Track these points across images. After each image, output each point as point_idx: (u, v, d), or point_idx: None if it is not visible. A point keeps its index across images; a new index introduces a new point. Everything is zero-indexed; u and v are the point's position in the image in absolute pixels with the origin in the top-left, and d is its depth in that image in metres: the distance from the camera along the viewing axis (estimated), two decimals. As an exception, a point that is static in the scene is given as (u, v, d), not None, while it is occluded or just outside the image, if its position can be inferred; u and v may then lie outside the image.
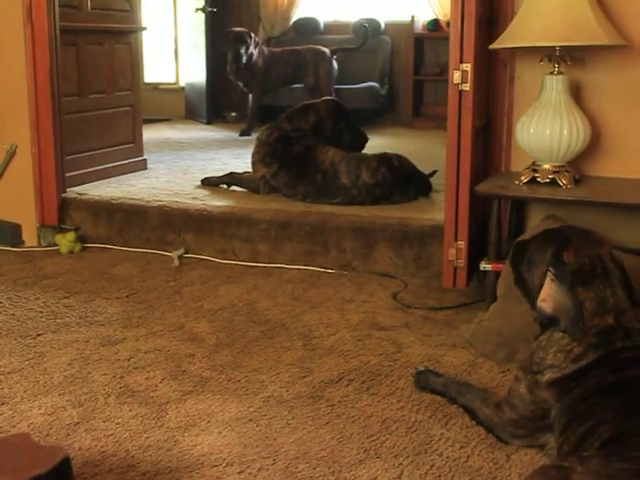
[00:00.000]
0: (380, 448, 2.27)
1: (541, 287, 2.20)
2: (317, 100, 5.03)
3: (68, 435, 2.33)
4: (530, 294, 2.30)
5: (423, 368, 2.71)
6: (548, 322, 2.19)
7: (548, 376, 2.17)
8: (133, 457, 2.21)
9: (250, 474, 2.14)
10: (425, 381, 2.62)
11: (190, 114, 9.07)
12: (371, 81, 8.27)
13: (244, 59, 7.29)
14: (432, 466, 2.18)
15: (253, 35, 7.47)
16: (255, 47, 7.41)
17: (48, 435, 2.33)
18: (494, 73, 3.69)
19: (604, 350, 2.09)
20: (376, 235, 3.90)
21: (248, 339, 3.03)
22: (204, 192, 4.72)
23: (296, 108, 4.81)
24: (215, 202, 4.44)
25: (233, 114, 8.76)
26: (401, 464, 2.19)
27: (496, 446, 2.28)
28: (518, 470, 2.16)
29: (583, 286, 2.15)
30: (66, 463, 1.91)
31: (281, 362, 2.84)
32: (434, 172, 4.69)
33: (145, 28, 5.70)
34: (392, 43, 8.58)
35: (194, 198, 4.54)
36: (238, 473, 2.14)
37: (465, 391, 2.50)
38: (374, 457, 2.23)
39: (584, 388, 2.06)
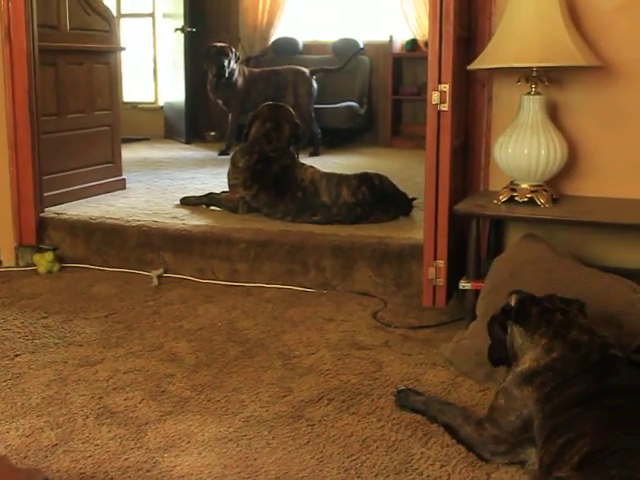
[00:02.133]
0: (361, 467, 2.27)
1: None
2: (263, 109, 4.91)
3: (46, 457, 2.31)
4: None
5: (403, 387, 2.71)
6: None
7: (527, 365, 2.26)
8: (112, 479, 2.20)
9: (230, 495, 2.13)
10: (406, 400, 2.62)
11: (169, 133, 9.07)
12: (350, 100, 8.29)
13: (226, 73, 7.29)
14: (413, 485, 2.18)
15: (234, 50, 7.49)
16: (236, 62, 7.42)
17: (26, 457, 2.30)
18: (472, 93, 3.72)
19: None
20: (355, 254, 3.91)
21: (228, 359, 3.02)
22: (183, 211, 4.72)
23: (267, 128, 4.73)
24: (194, 221, 4.43)
25: (212, 133, 8.76)
26: (382, 483, 2.19)
27: (477, 465, 2.28)
28: (498, 489, 2.16)
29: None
30: (44, 485, 1.90)
31: (261, 382, 2.83)
32: (414, 199, 4.67)
33: (124, 48, 5.70)
34: (371, 63, 8.63)
35: (173, 217, 4.53)
36: (218, 494, 2.13)
37: (446, 409, 2.51)
38: (355, 477, 2.22)
39: (565, 397, 2.09)
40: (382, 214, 4.45)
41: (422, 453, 2.35)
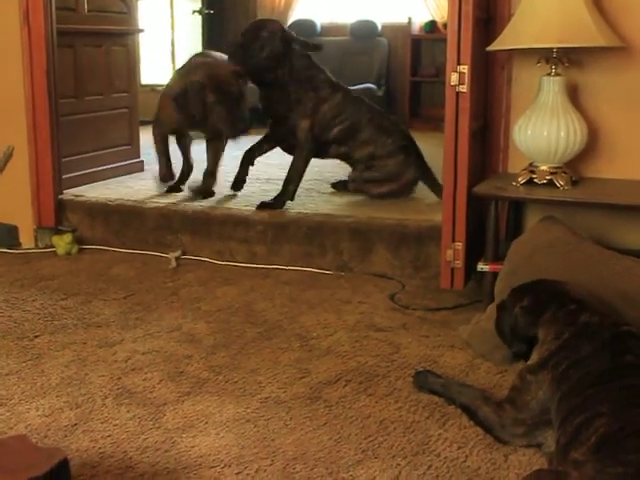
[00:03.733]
0: (378, 449, 2.27)
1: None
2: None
3: (65, 436, 2.32)
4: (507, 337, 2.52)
5: (422, 369, 2.71)
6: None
7: (539, 355, 2.30)
8: (131, 458, 2.21)
9: (248, 475, 2.14)
10: (424, 381, 2.62)
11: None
12: (368, 82, 8.26)
13: None
14: (430, 466, 2.18)
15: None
16: None
17: (46, 437, 2.32)
18: (491, 75, 3.69)
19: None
20: (373, 236, 3.90)
21: (245, 340, 3.03)
22: (201, 194, 4.72)
23: None
24: (212, 204, 4.44)
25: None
26: (399, 464, 2.19)
27: (494, 447, 2.28)
28: (516, 470, 2.15)
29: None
30: (64, 465, 1.91)
31: (279, 363, 2.83)
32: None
33: (142, 30, 5.70)
34: (389, 44, 8.59)
35: (191, 200, 4.53)
36: (236, 474, 2.14)
37: (465, 391, 2.50)
38: (372, 457, 2.23)
39: (580, 375, 2.08)
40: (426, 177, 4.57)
41: (439, 435, 2.35)
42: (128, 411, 2.48)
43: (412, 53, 8.46)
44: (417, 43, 8.59)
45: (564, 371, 2.14)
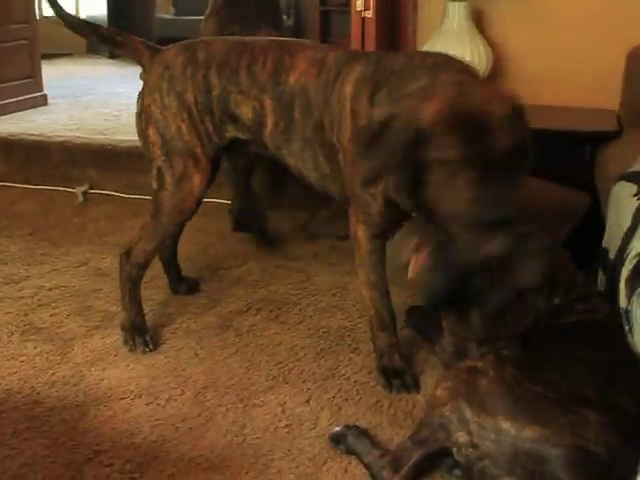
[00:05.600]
0: (289, 375, 2.29)
1: None
2: None
3: (-30, 374, 2.28)
4: None
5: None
6: None
7: None
8: (39, 393, 2.18)
9: (159, 405, 2.14)
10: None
11: (93, 48, 8.79)
12: (277, 12, 8.13)
13: None
14: (340, 390, 2.22)
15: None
16: None
17: (-51, 375, 2.28)
18: (398, 1, 3.67)
19: None
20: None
21: (155, 272, 2.98)
22: (107, 126, 4.61)
23: None
24: (119, 137, 4.34)
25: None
26: (309, 389, 2.22)
27: (403, 369, 2.33)
28: (423, 391, 2.20)
29: None
30: None
31: (189, 295, 2.82)
32: None
33: (40, -44, 5.48)
34: (298, -27, 8.45)
35: (98, 133, 4.43)
36: (146, 404, 2.14)
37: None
38: (283, 383, 2.25)
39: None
40: None
41: (350, 359, 2.39)
42: (35, 347, 2.44)
43: (322, -19, 8.34)
44: (326, -29, 8.47)
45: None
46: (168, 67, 2.29)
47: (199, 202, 2.38)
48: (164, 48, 2.38)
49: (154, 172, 2.34)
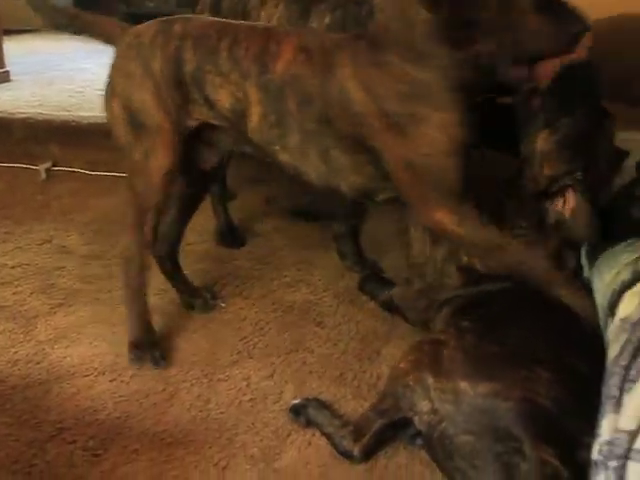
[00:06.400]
0: (253, 349, 2.30)
1: None
2: None
3: None
4: None
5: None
6: None
7: None
8: (1, 372, 2.17)
9: (122, 382, 2.13)
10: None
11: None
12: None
13: None
14: (304, 363, 2.22)
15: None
16: None
17: None
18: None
19: None
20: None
21: (120, 250, 2.98)
22: (72, 102, 4.56)
23: None
24: (83, 113, 4.29)
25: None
26: (273, 363, 2.22)
27: (366, 342, 2.34)
28: (387, 363, 2.21)
29: None
30: None
31: (153, 271, 2.78)
32: None
33: None
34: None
35: (61, 109, 4.37)
36: (110, 381, 2.14)
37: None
38: (247, 358, 2.25)
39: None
40: None
41: (315, 333, 2.40)
42: (-3, 325, 2.43)
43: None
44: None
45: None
46: (138, 36, 2.16)
47: (171, 181, 2.22)
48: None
49: (123, 152, 2.22)
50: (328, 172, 2.08)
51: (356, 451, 1.80)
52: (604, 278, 1.84)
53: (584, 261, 2.05)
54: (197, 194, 2.47)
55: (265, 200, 3.52)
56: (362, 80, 1.93)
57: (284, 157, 2.11)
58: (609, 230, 2.01)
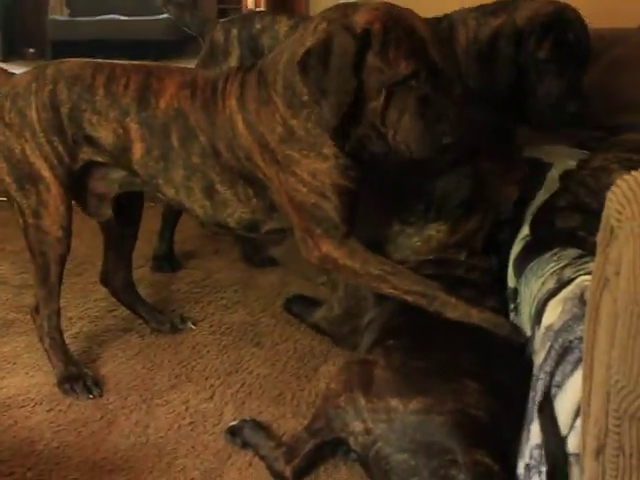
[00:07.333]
0: (191, 372, 2.30)
1: None
2: None
3: None
4: None
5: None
6: None
7: None
8: None
9: (60, 411, 2.12)
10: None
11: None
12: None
13: None
14: (243, 384, 2.24)
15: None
16: None
17: None
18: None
19: None
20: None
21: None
22: None
23: None
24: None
25: (31, 50, 8.35)
26: (212, 385, 2.23)
27: (304, 361, 2.36)
28: (325, 380, 2.23)
29: None
30: None
31: (89, 298, 2.80)
32: None
33: None
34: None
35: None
36: (47, 411, 2.12)
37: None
38: (186, 381, 2.26)
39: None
40: None
41: (252, 354, 2.41)
42: None
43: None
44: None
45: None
46: (14, 86, 2.13)
47: (68, 231, 2.18)
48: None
49: (14, 206, 2.15)
50: (213, 208, 2.10)
51: (288, 472, 1.80)
52: (531, 288, 1.89)
53: (510, 271, 2.10)
54: (130, 222, 2.46)
55: (201, 223, 3.52)
56: (246, 115, 1.96)
57: (169, 192, 2.11)
58: (535, 241, 2.06)
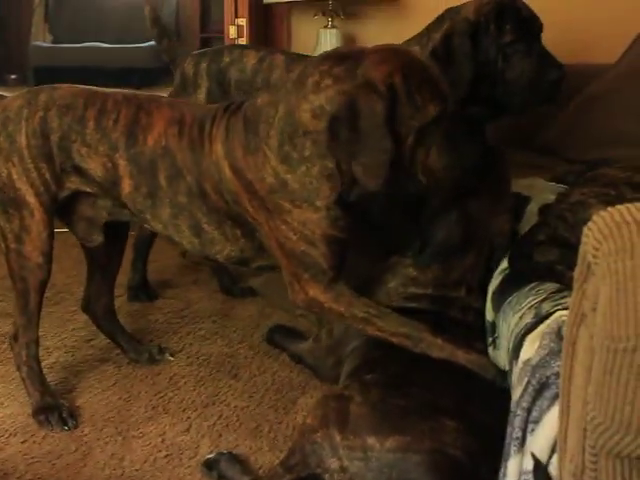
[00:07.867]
0: (168, 404, 2.29)
1: None
2: None
3: None
4: None
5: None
6: None
7: None
8: None
9: (35, 442, 2.09)
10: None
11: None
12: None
13: None
14: (220, 416, 2.22)
15: None
16: None
17: None
18: (271, 28, 3.72)
19: None
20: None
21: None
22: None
23: None
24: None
25: (13, 76, 8.34)
26: (189, 417, 2.21)
27: (282, 393, 2.35)
28: (303, 413, 2.22)
29: None
30: None
31: (66, 327, 2.78)
32: None
33: None
34: None
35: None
36: (22, 442, 2.09)
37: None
38: (162, 413, 2.24)
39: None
40: None
41: (230, 386, 2.40)
42: None
43: (201, 8, 8.35)
44: (205, -2, 8.50)
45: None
46: (5, 110, 2.11)
47: (49, 257, 2.17)
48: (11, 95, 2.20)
49: None
50: (201, 244, 2.08)
51: None
52: (509, 322, 1.89)
53: (488, 305, 2.10)
54: (115, 248, 2.45)
55: (181, 253, 3.52)
56: (233, 162, 1.93)
57: (158, 227, 2.10)
58: (514, 275, 2.07)
